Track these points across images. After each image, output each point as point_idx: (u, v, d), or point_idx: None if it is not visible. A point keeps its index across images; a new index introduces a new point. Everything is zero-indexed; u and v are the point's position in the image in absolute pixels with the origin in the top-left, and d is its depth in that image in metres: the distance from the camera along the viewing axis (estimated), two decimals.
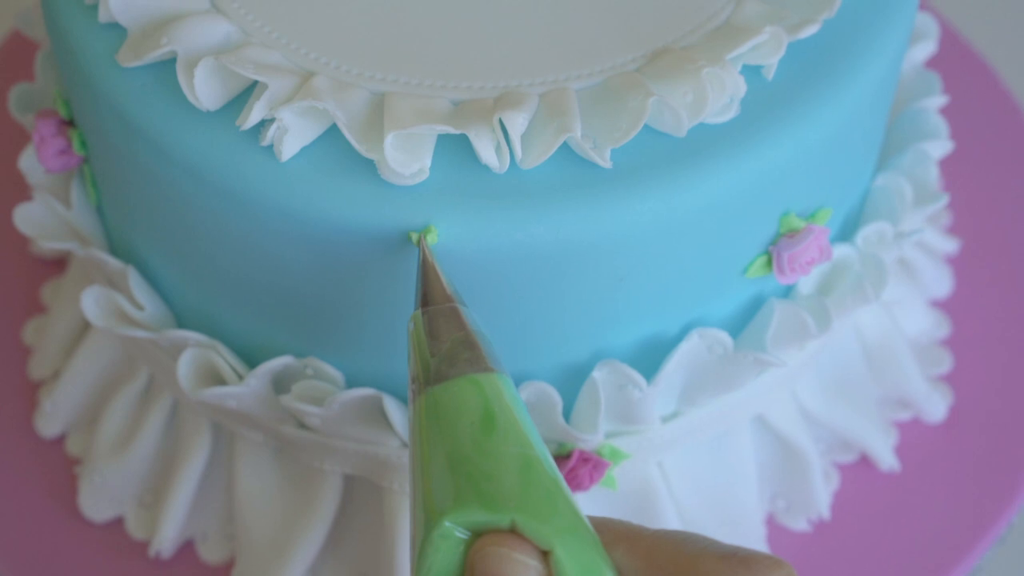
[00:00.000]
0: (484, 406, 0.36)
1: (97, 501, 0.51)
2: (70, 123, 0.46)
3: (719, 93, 0.39)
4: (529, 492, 0.35)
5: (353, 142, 0.38)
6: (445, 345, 0.37)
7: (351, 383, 0.44)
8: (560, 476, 0.36)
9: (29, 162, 0.48)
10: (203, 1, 0.42)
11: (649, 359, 0.43)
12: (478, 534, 0.34)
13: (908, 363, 0.52)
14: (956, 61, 0.62)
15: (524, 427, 0.36)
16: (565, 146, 0.39)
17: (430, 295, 0.38)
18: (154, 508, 0.50)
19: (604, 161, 0.38)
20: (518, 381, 0.43)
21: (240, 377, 0.44)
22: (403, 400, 0.44)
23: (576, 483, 0.44)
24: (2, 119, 0.55)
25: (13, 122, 0.53)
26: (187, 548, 0.51)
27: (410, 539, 0.36)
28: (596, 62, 0.40)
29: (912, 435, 0.54)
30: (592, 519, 0.36)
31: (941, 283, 0.57)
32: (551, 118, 0.39)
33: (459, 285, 0.39)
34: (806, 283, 0.46)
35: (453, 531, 0.34)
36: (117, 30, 0.42)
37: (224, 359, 0.44)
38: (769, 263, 0.43)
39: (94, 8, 0.42)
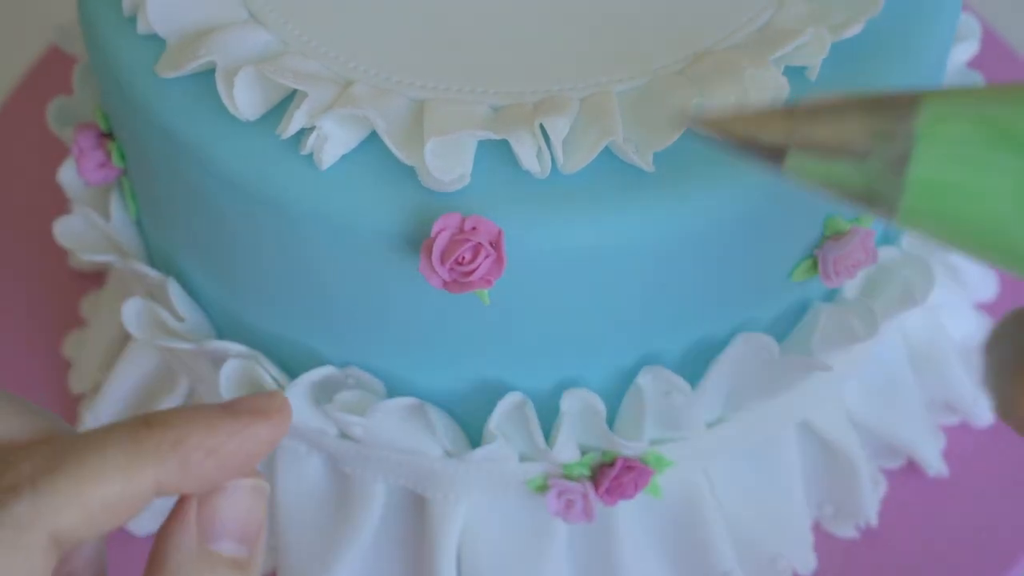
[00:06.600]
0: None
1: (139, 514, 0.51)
2: (109, 135, 0.46)
3: (762, 95, 0.39)
4: None
5: (393, 149, 0.38)
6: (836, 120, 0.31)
7: (392, 392, 0.43)
8: None
9: (68, 175, 0.48)
10: (241, 11, 0.42)
11: (694, 364, 0.42)
12: None
13: (955, 367, 0.51)
14: (996, 61, 0.62)
15: None
16: (607, 150, 0.38)
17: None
18: None
19: (647, 165, 0.38)
20: (561, 388, 0.42)
21: (281, 387, 0.44)
22: (445, 409, 0.44)
23: (620, 491, 0.44)
24: (41, 133, 0.55)
25: (52, 136, 0.53)
26: None
27: None
28: (637, 65, 0.40)
29: (960, 440, 0.53)
30: None
31: (987, 286, 0.56)
32: (592, 122, 0.38)
33: (502, 290, 0.38)
34: (851, 287, 0.45)
35: None
36: (155, 41, 0.41)
37: (265, 370, 0.44)
38: (815, 266, 0.42)
39: (132, 20, 0.42)
